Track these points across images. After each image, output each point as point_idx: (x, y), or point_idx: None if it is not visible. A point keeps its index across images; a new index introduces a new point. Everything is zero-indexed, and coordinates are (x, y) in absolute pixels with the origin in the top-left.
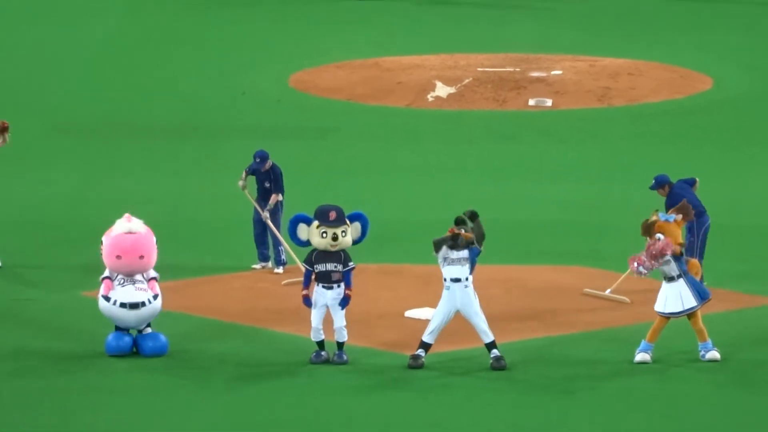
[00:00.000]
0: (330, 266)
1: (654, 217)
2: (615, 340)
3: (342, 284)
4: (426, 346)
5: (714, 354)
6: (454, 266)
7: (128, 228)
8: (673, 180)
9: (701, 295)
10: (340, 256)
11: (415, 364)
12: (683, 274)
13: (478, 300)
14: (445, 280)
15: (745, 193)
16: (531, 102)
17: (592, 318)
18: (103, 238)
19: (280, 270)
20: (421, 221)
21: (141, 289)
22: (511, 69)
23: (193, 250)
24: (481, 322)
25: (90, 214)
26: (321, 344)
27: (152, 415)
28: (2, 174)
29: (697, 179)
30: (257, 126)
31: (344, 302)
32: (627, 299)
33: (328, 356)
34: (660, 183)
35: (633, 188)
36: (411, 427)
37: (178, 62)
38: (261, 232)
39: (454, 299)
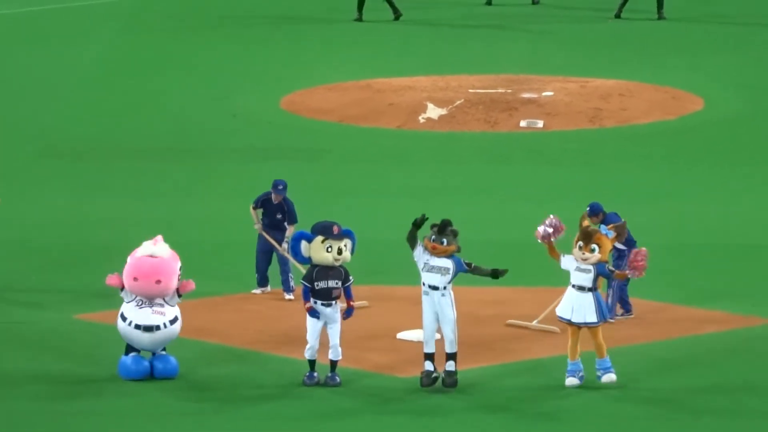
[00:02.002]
0: (331, 283)
1: (586, 222)
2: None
3: (337, 302)
4: (431, 357)
5: (611, 376)
6: (433, 273)
7: (151, 251)
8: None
9: (603, 314)
10: (340, 272)
11: (429, 381)
12: (594, 289)
13: (455, 309)
14: (423, 284)
15: (737, 213)
16: (522, 123)
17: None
18: (128, 258)
19: (291, 296)
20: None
21: (158, 312)
22: (503, 90)
23: (184, 272)
24: (450, 331)
25: (81, 236)
26: (313, 364)
27: None
28: None
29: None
30: (248, 148)
31: (348, 313)
32: (556, 329)
33: (320, 378)
34: (595, 211)
35: (624, 209)
36: None
37: (169, 84)
38: (264, 259)
39: (433, 304)
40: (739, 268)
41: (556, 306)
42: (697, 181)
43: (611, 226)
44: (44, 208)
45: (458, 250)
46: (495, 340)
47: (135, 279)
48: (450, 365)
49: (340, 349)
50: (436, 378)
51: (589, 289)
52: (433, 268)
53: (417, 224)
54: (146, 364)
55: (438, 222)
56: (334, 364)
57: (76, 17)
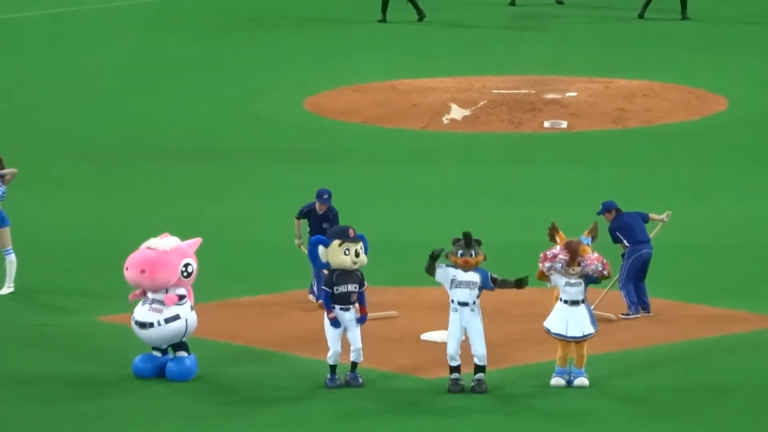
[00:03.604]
0: (351, 287)
1: (561, 235)
2: (629, 359)
3: (354, 305)
4: (457, 369)
5: (583, 381)
6: (462, 289)
7: (149, 243)
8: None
9: (594, 323)
10: (358, 276)
11: (456, 388)
12: (584, 300)
13: (482, 321)
14: (452, 301)
15: (762, 212)
16: (546, 124)
17: (605, 340)
18: None
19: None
20: (436, 243)
21: (155, 309)
22: (526, 91)
23: (208, 273)
24: (480, 345)
25: (106, 237)
26: (335, 368)
27: None
28: (19, 198)
29: (651, 215)
30: (273, 149)
31: (362, 320)
32: (613, 316)
33: (341, 381)
34: (607, 208)
35: (649, 209)
36: None
37: (194, 85)
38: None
39: (461, 319)
40: (765, 268)
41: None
42: (722, 181)
43: (587, 231)
44: (69, 209)
45: (485, 259)
46: (520, 341)
47: (126, 268)
48: (480, 376)
49: (361, 352)
50: (464, 387)
51: (582, 301)
52: (461, 284)
53: (434, 257)
54: (156, 363)
55: (460, 237)
56: (354, 365)
57: (101, 19)
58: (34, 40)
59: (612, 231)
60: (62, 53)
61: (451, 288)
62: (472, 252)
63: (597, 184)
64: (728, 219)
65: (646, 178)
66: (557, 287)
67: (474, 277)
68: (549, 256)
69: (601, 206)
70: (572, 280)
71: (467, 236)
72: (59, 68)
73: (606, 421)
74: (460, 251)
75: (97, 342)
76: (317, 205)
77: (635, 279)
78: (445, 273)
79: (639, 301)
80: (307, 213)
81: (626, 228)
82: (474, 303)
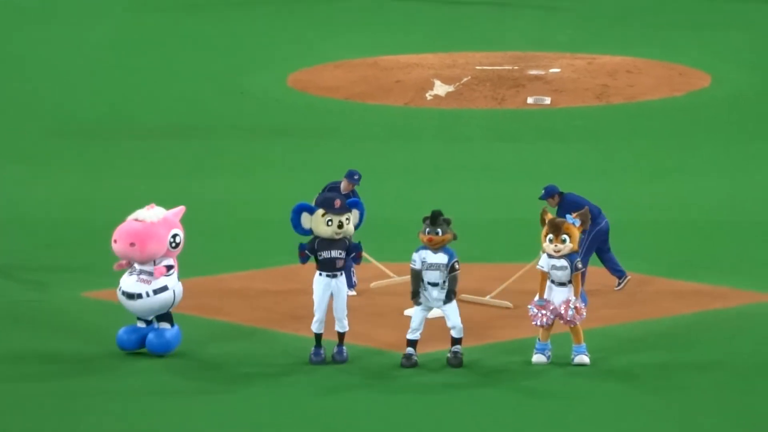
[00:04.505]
0: (334, 253)
1: (549, 216)
2: (612, 335)
3: (343, 273)
4: (414, 344)
5: (583, 358)
6: (432, 271)
7: (137, 215)
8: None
9: (584, 300)
10: (344, 242)
11: (409, 363)
12: (571, 281)
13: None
14: (422, 280)
15: (745, 189)
16: (530, 100)
17: (587, 316)
18: None
19: (353, 292)
20: (420, 220)
21: (143, 281)
22: (510, 67)
23: (192, 249)
24: (456, 320)
25: (90, 215)
26: (320, 338)
27: (154, 416)
28: (2, 175)
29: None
30: (256, 126)
31: (357, 259)
32: (509, 303)
33: (326, 355)
34: (550, 193)
35: (632, 185)
36: (411, 428)
37: (177, 63)
38: None
39: (430, 300)
40: (747, 245)
41: (512, 281)
42: (704, 157)
43: (576, 214)
44: (53, 186)
45: (454, 238)
46: (499, 318)
47: (115, 241)
48: (457, 348)
49: (346, 321)
50: (416, 362)
51: (569, 282)
52: (431, 266)
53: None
54: (140, 335)
55: (428, 214)
56: (341, 336)
57: None
58: (17, 18)
59: (563, 215)
60: (44, 29)
61: (423, 270)
62: (438, 230)
63: (580, 160)
64: (710, 195)
65: (628, 154)
66: (543, 270)
67: (443, 258)
68: (534, 315)
69: (543, 191)
70: (558, 264)
71: (434, 214)
72: (42, 45)
73: (588, 398)
74: (426, 229)
75: (82, 318)
76: (343, 184)
77: (600, 251)
78: (417, 257)
79: (613, 272)
80: (329, 190)
81: (577, 206)
82: (444, 282)
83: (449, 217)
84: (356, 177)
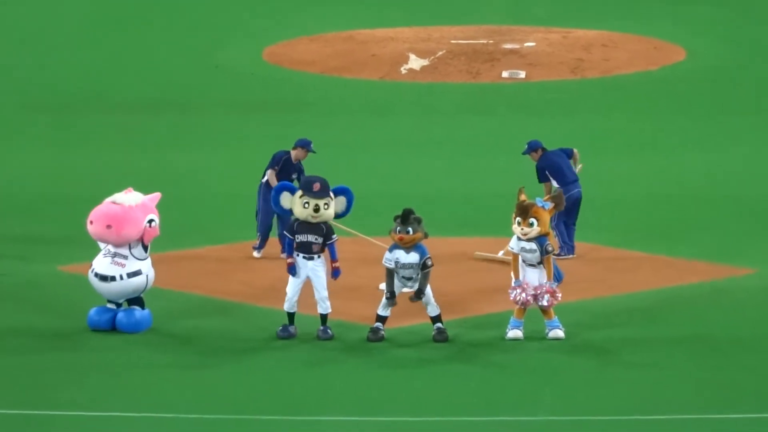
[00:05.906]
0: (311, 237)
1: (523, 197)
2: (587, 310)
3: (321, 256)
4: (383, 319)
5: (558, 332)
6: (405, 269)
7: (114, 198)
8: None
9: (557, 278)
10: (321, 228)
11: (375, 337)
12: (543, 262)
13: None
14: (397, 273)
15: (719, 163)
16: (504, 74)
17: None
18: None
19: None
20: (395, 193)
21: (117, 263)
22: (485, 41)
23: (166, 224)
24: (431, 299)
25: (64, 189)
26: (292, 317)
27: (129, 391)
28: None
29: (576, 150)
30: (231, 100)
31: (335, 274)
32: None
33: (295, 331)
34: (533, 147)
35: (607, 160)
36: (387, 402)
37: (151, 36)
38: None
39: (405, 287)
40: (721, 219)
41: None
42: (679, 131)
43: (547, 197)
44: (27, 160)
45: (425, 236)
46: (475, 292)
47: (91, 222)
48: (438, 324)
49: (328, 302)
50: (383, 336)
51: (539, 263)
52: (404, 266)
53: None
54: (110, 315)
55: (400, 213)
56: (324, 317)
57: None
58: None
59: (540, 170)
60: (17, 3)
61: (396, 269)
62: (409, 229)
63: (555, 133)
64: (686, 169)
65: (603, 127)
66: (513, 251)
67: (414, 258)
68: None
69: (526, 146)
70: (527, 246)
71: (405, 213)
72: (16, 20)
73: (563, 372)
74: (398, 227)
75: (57, 292)
76: (295, 153)
77: (566, 219)
78: (391, 256)
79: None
80: (285, 162)
81: (555, 168)
82: (418, 275)
83: (420, 216)
84: (311, 146)
